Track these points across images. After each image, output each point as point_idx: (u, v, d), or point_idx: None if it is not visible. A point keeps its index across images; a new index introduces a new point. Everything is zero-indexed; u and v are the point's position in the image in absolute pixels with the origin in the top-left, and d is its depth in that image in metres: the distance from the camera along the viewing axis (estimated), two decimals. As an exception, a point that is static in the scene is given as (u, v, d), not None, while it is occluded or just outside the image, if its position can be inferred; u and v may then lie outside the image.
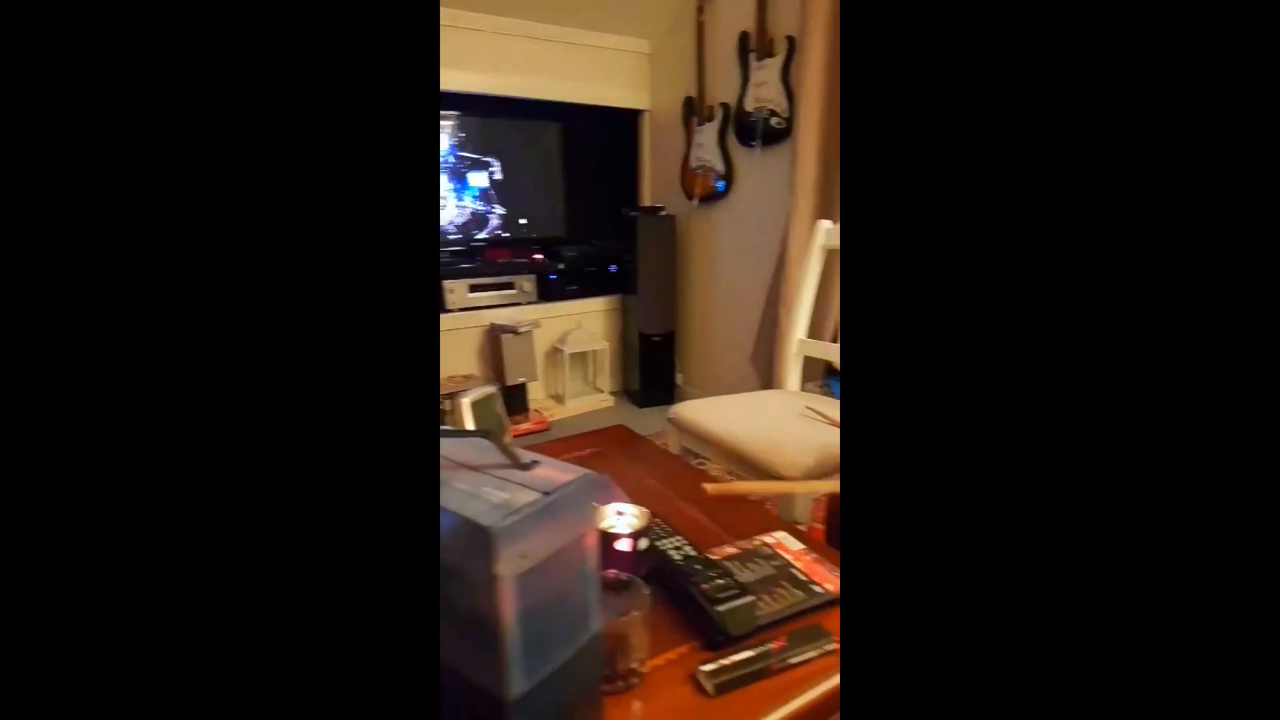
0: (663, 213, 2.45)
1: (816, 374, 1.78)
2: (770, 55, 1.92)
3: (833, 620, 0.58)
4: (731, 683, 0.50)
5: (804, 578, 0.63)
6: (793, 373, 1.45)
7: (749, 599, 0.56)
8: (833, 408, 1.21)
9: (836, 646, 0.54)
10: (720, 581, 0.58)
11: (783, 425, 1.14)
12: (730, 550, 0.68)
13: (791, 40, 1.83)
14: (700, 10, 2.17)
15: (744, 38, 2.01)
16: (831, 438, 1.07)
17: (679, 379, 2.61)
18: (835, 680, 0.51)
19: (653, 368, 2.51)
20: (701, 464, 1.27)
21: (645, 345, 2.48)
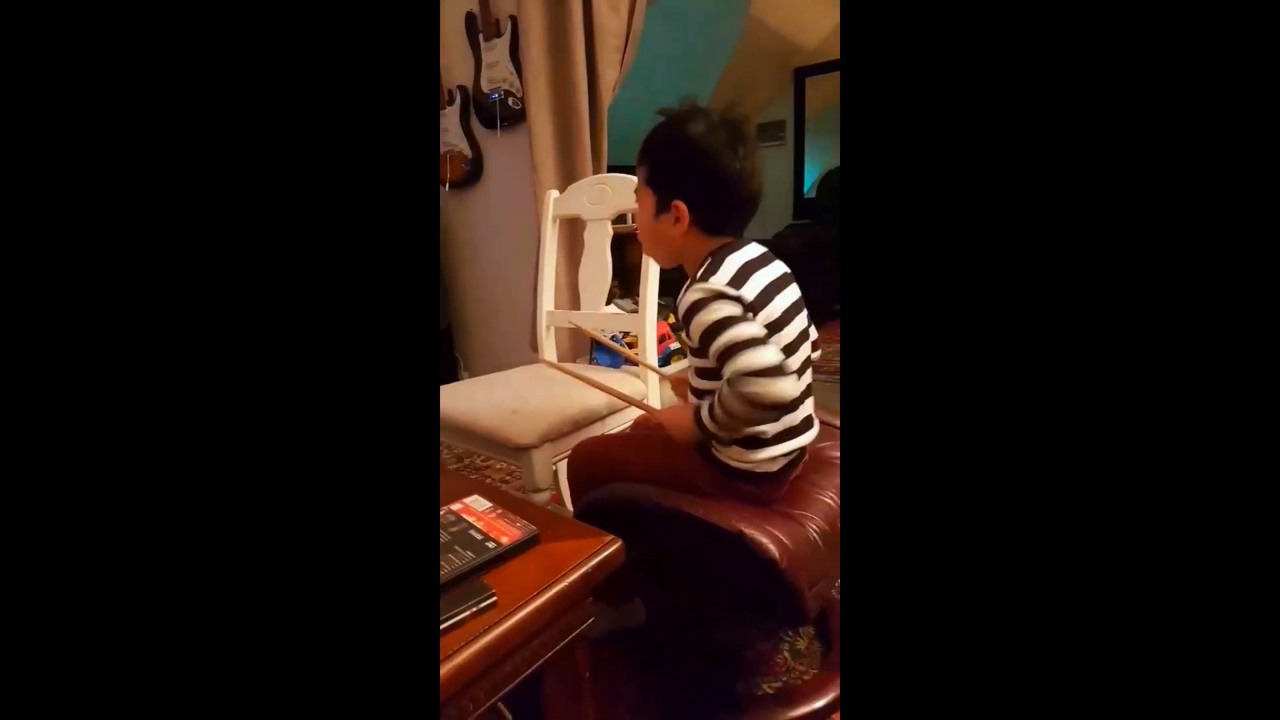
0: (417, 203, 2.28)
1: (585, 349, 1.81)
2: (498, 35, 1.89)
3: (499, 575, 0.56)
4: (355, 669, 0.44)
5: (480, 536, 0.60)
6: (547, 345, 1.44)
7: (395, 574, 0.51)
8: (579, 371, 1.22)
9: (495, 599, 0.51)
10: (367, 563, 0.52)
11: (523, 397, 1.11)
12: (408, 529, 0.62)
13: (514, 20, 1.81)
14: (423, -14, 2.05)
15: (470, 18, 1.94)
16: (569, 403, 1.08)
17: (464, 375, 2.48)
18: (488, 639, 0.49)
19: (433, 369, 2.35)
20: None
21: (420, 347, 2.31)
